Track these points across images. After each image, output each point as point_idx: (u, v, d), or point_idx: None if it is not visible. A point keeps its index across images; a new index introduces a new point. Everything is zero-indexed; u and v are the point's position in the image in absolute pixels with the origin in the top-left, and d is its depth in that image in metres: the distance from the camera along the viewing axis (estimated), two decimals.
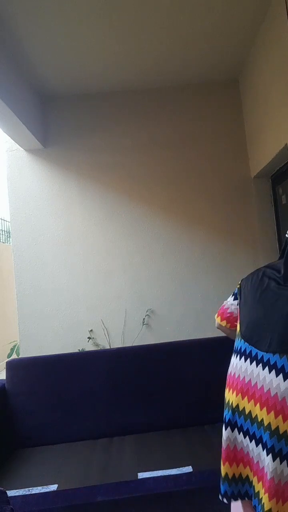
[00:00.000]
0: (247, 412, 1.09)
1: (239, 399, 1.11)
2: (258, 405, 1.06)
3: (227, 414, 1.15)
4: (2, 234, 8.50)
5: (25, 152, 3.25)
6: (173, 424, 2.17)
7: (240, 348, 1.18)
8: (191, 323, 3.11)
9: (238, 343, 1.20)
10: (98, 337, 3.13)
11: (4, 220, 8.39)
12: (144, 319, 3.11)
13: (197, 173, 3.23)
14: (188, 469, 1.69)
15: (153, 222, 3.20)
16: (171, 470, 1.69)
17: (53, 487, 1.66)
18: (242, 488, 1.12)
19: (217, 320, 1.45)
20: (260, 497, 1.03)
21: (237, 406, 1.12)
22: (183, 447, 1.94)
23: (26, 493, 1.62)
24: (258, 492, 1.05)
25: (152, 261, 3.18)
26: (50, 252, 3.18)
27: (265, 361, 1.06)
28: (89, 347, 3.09)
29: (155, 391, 2.21)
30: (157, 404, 2.20)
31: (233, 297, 1.43)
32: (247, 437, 1.09)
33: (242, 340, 1.18)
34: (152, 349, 2.38)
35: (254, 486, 1.07)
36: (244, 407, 1.10)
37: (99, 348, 3.09)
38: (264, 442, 1.04)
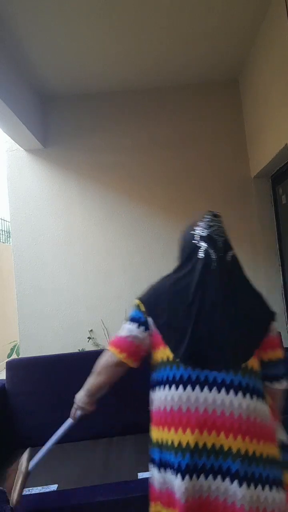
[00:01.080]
0: (209, 447, 0.96)
1: (197, 436, 0.96)
2: (222, 434, 0.96)
3: (181, 460, 0.96)
4: (2, 234, 8.50)
5: (25, 152, 3.25)
6: None
7: (179, 376, 1.01)
8: None
9: (171, 371, 1.02)
10: (98, 337, 3.12)
11: (4, 220, 8.39)
12: None
13: (197, 173, 3.23)
14: None
15: (153, 222, 3.20)
16: None
17: (53, 487, 1.66)
18: None
19: (126, 360, 1.13)
20: None
21: (196, 445, 0.96)
22: None
23: (26, 493, 1.63)
24: None
25: (152, 261, 3.18)
26: (50, 252, 3.18)
27: (219, 382, 0.99)
28: (89, 347, 3.09)
29: None
30: None
31: (135, 324, 1.14)
32: (211, 476, 0.96)
33: (181, 366, 1.01)
34: None
35: None
36: (205, 443, 0.96)
37: (99, 348, 3.09)
38: (234, 472, 0.95)
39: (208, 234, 1.16)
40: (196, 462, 0.96)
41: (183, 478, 0.96)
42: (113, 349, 1.16)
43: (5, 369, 2.30)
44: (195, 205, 3.20)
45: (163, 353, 1.07)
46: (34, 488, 1.67)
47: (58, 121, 3.28)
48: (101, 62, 2.85)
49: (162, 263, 3.18)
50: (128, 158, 3.23)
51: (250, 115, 3.11)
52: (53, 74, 2.96)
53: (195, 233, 1.17)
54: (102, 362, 1.21)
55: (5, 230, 8.49)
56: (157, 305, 1.13)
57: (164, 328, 1.08)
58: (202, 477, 0.96)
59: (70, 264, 3.16)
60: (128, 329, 1.14)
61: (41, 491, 1.64)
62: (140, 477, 1.66)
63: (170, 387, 1.02)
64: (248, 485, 0.94)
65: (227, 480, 0.95)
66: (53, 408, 2.17)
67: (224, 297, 1.08)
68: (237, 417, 0.96)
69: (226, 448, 0.96)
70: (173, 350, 1.04)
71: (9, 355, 5.15)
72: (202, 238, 1.15)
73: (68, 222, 3.20)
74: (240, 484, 0.94)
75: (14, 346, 5.10)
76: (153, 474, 1.05)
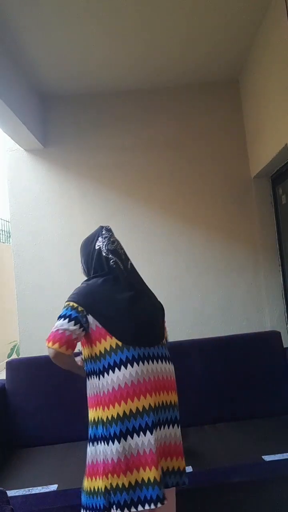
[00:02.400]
0: (162, 404, 1.30)
1: (155, 398, 1.27)
2: (167, 392, 1.32)
3: (148, 419, 1.24)
4: (2, 234, 8.50)
5: (25, 152, 3.25)
6: None
7: (131, 357, 1.28)
8: (191, 323, 3.11)
9: (123, 354, 1.27)
10: None
11: (4, 220, 8.39)
12: None
13: (197, 173, 3.22)
14: (188, 469, 1.69)
15: (153, 222, 3.20)
16: None
17: (53, 487, 1.66)
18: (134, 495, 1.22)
19: (61, 349, 1.29)
20: (156, 478, 1.20)
21: (155, 404, 1.27)
22: (183, 447, 1.94)
23: (26, 493, 1.63)
24: (150, 479, 1.21)
25: (152, 261, 3.18)
26: (50, 252, 3.17)
27: (156, 355, 1.33)
28: None
29: None
30: None
31: (71, 322, 1.30)
32: (167, 426, 1.30)
33: (130, 348, 1.28)
34: None
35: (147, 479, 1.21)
36: (160, 402, 1.29)
37: None
38: (174, 419, 1.33)
39: (114, 249, 1.48)
40: (158, 418, 1.27)
41: (151, 432, 1.23)
42: (59, 346, 1.30)
43: (5, 369, 2.30)
44: (195, 205, 3.20)
45: (109, 342, 1.29)
46: (34, 488, 1.67)
47: (58, 121, 3.27)
48: (101, 62, 2.85)
49: (162, 263, 3.18)
50: (128, 158, 3.23)
51: (250, 115, 3.11)
52: (53, 74, 2.96)
53: (102, 248, 1.47)
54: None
55: (5, 230, 8.49)
56: (95, 304, 1.36)
57: (107, 322, 1.32)
58: (162, 428, 1.28)
59: (70, 264, 3.16)
60: (65, 327, 1.30)
61: (41, 491, 1.64)
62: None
63: (125, 366, 1.26)
64: (178, 426, 1.34)
65: (175, 426, 1.32)
66: (53, 408, 2.17)
67: (139, 294, 1.43)
68: (171, 378, 1.36)
69: (171, 403, 1.33)
70: (120, 338, 1.30)
71: (9, 355, 5.15)
72: (110, 251, 1.46)
73: (68, 222, 3.20)
74: (178, 427, 1.33)
75: (14, 346, 5.11)
76: (106, 450, 1.24)
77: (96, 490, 1.26)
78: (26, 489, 1.66)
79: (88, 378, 1.39)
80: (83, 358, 1.44)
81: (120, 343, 1.29)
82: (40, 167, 3.25)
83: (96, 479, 1.27)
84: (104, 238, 1.50)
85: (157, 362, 1.32)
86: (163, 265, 3.18)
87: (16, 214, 3.22)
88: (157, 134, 3.24)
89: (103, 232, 1.53)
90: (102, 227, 1.56)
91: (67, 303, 1.38)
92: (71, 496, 1.56)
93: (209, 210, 3.19)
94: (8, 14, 2.28)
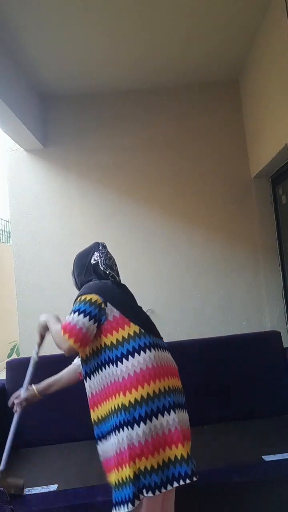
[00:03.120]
0: (175, 387, 1.36)
1: (172, 381, 1.36)
2: (176, 378, 1.41)
3: (171, 399, 1.30)
4: (2, 234, 8.50)
5: (25, 152, 3.25)
6: None
7: (151, 343, 1.36)
8: (191, 323, 3.11)
9: (142, 340, 1.35)
10: None
11: (4, 220, 8.39)
12: None
13: (197, 173, 3.22)
14: None
15: (153, 222, 3.20)
16: None
17: (53, 487, 1.66)
18: (168, 473, 1.26)
19: (75, 345, 1.34)
20: (184, 455, 1.25)
21: (173, 386, 1.35)
22: None
23: (26, 493, 1.63)
24: (178, 456, 1.25)
25: (152, 261, 3.18)
26: (50, 252, 3.17)
27: (162, 345, 1.42)
28: None
29: None
30: None
31: (91, 320, 1.35)
32: (180, 409, 1.34)
33: (147, 335, 1.37)
34: None
35: (180, 455, 1.26)
36: (174, 385, 1.36)
37: None
38: (184, 403, 1.39)
39: (111, 264, 1.58)
40: (178, 400, 1.35)
41: (174, 411, 1.29)
42: (77, 344, 1.35)
43: (5, 369, 2.30)
44: (195, 205, 3.20)
45: (129, 330, 1.35)
46: (34, 488, 1.67)
47: (58, 121, 3.27)
48: (101, 62, 2.86)
49: (162, 263, 3.18)
50: (128, 158, 3.23)
51: (250, 115, 3.11)
52: (53, 74, 2.96)
53: (100, 262, 1.55)
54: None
55: (5, 230, 8.49)
56: (112, 294, 1.43)
57: (127, 311, 1.40)
58: (182, 410, 1.35)
59: (70, 264, 3.13)
60: (83, 323, 1.35)
61: (41, 491, 1.64)
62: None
63: (144, 351, 1.33)
64: (185, 410, 1.40)
65: (186, 411, 1.39)
66: (53, 408, 2.17)
67: (133, 298, 1.54)
68: (176, 367, 1.45)
69: (181, 388, 1.41)
70: (140, 325, 1.38)
71: (9, 355, 5.15)
72: (108, 266, 1.55)
73: (68, 222, 3.20)
74: (185, 411, 1.40)
75: (14, 346, 5.10)
76: (131, 434, 1.24)
77: (124, 480, 1.24)
78: (26, 489, 1.66)
79: (95, 373, 1.39)
80: (89, 353, 1.42)
81: (139, 330, 1.36)
82: (40, 167, 3.25)
83: (122, 468, 1.25)
84: (101, 254, 1.58)
85: (165, 351, 1.42)
86: (163, 265, 3.18)
87: (16, 214, 3.22)
88: (157, 134, 3.24)
89: (100, 247, 1.61)
90: (98, 243, 1.64)
91: (84, 296, 1.39)
92: (71, 496, 1.56)
93: (209, 210, 3.19)
94: (8, 14, 2.28)
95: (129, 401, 1.26)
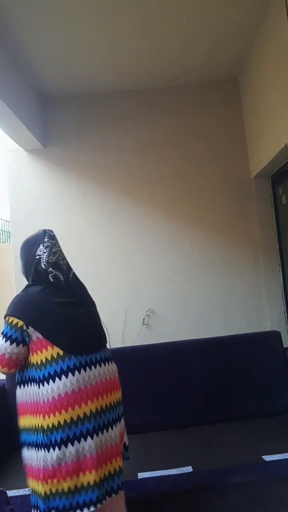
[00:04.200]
0: (106, 406, 1.31)
1: (99, 402, 1.30)
2: (111, 393, 1.35)
3: (90, 424, 1.26)
4: (2, 234, 8.49)
5: (25, 152, 3.25)
6: (173, 424, 2.17)
7: (73, 365, 1.29)
8: (191, 323, 3.11)
9: (64, 363, 1.28)
10: None
11: (4, 220, 8.38)
12: (144, 319, 3.11)
13: (197, 173, 3.22)
14: (188, 469, 1.69)
15: (153, 222, 3.20)
16: (171, 470, 1.69)
17: None
18: (113, 484, 1.30)
19: (3, 369, 1.34)
20: (96, 480, 1.24)
21: (100, 408, 1.29)
22: (183, 447, 1.94)
23: (26, 493, 1.62)
24: (90, 482, 1.24)
25: (152, 261, 3.18)
26: None
27: (98, 360, 1.35)
28: None
29: (155, 391, 2.21)
30: (157, 404, 2.20)
31: (13, 344, 1.31)
32: (110, 428, 1.31)
33: (71, 357, 1.29)
34: (152, 349, 2.38)
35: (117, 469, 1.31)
36: (104, 405, 1.31)
37: None
38: (119, 417, 1.36)
39: (55, 261, 1.44)
40: (100, 422, 1.29)
41: (92, 438, 1.26)
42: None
43: None
44: (195, 205, 3.20)
45: (51, 352, 1.29)
46: None
47: (58, 121, 3.27)
48: (101, 62, 2.85)
49: (162, 263, 3.18)
50: (128, 158, 3.23)
51: (250, 115, 3.11)
52: (53, 74, 2.96)
53: (42, 259, 1.42)
54: None
55: (5, 230, 8.48)
56: (35, 316, 1.33)
57: (49, 333, 1.31)
58: (103, 433, 1.29)
59: (70, 264, 3.16)
60: (7, 348, 1.32)
61: None
62: (140, 477, 1.66)
63: (66, 375, 1.27)
64: (120, 421, 1.38)
65: (118, 425, 1.35)
66: None
67: (79, 302, 1.44)
68: (114, 378, 1.39)
69: (115, 402, 1.35)
70: (63, 347, 1.30)
71: None
72: (50, 264, 1.42)
73: (68, 222, 3.20)
74: (120, 422, 1.38)
75: None
76: (46, 456, 1.24)
77: (37, 492, 1.27)
78: (26, 489, 1.65)
79: (24, 385, 1.38)
80: (25, 363, 1.40)
81: (62, 352, 1.29)
82: (40, 167, 3.25)
83: (37, 482, 1.27)
84: (45, 248, 1.45)
85: (100, 366, 1.35)
86: (163, 265, 3.18)
87: (16, 214, 3.22)
88: (157, 134, 3.24)
89: (45, 239, 1.48)
90: (45, 232, 1.51)
91: (7, 318, 1.35)
92: None
93: (209, 210, 3.19)
94: (8, 14, 2.28)
95: (47, 425, 1.26)
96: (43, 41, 2.56)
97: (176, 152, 3.24)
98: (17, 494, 1.63)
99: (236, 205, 3.20)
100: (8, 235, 8.31)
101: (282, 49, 2.35)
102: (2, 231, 8.49)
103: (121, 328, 3.11)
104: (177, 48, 2.76)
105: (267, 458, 1.72)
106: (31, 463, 1.33)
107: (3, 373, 1.37)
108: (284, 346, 2.46)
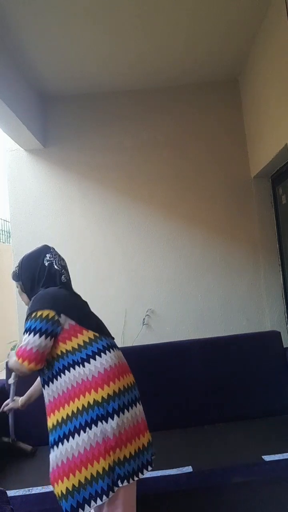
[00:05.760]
0: (131, 383, 1.44)
1: (129, 378, 1.44)
2: (131, 374, 1.48)
3: (133, 393, 1.42)
4: (2, 234, 8.50)
5: (25, 152, 3.25)
6: (173, 424, 2.17)
7: (107, 345, 1.43)
8: (191, 323, 3.11)
9: (99, 343, 1.41)
10: None
11: (4, 220, 8.39)
12: (144, 319, 3.11)
13: (197, 173, 3.23)
14: (188, 469, 1.69)
15: (153, 222, 3.20)
16: (171, 470, 1.69)
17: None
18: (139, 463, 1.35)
19: (30, 366, 1.34)
20: (150, 441, 1.40)
21: (132, 382, 1.45)
22: (183, 447, 1.94)
23: (26, 493, 1.63)
24: (144, 444, 1.37)
25: (152, 261, 3.18)
26: None
27: (115, 344, 1.49)
28: None
29: (155, 391, 2.20)
30: (157, 404, 2.20)
31: (42, 336, 1.34)
32: (138, 402, 1.43)
33: (103, 338, 1.43)
34: (152, 349, 2.38)
35: (145, 443, 1.38)
36: (131, 381, 1.45)
37: None
38: (137, 397, 1.44)
39: (64, 265, 1.62)
40: (137, 393, 1.46)
41: (140, 403, 1.43)
42: (33, 363, 1.36)
43: (5, 369, 2.30)
44: (195, 205, 3.21)
45: (87, 335, 1.40)
46: (34, 488, 1.67)
47: (58, 121, 3.27)
48: (101, 62, 2.85)
49: (162, 263, 3.18)
50: (128, 158, 3.23)
51: (250, 115, 3.11)
52: (53, 74, 2.96)
53: (54, 263, 1.58)
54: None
55: (5, 230, 8.48)
56: (65, 305, 1.43)
57: (81, 319, 1.43)
58: (138, 403, 1.43)
59: (69, 264, 3.13)
60: (37, 344, 1.35)
61: (41, 491, 1.64)
62: (141, 477, 1.65)
63: (106, 352, 1.40)
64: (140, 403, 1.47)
65: (140, 403, 1.45)
66: None
67: (84, 303, 1.57)
68: (126, 362, 1.50)
69: (134, 382, 1.47)
70: (96, 330, 1.43)
71: None
72: (62, 267, 1.59)
73: (68, 222, 3.20)
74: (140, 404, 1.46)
75: (14, 346, 5.09)
76: (105, 428, 1.30)
77: (95, 475, 1.24)
78: (26, 489, 1.66)
79: (59, 377, 1.38)
80: (53, 356, 1.41)
81: (97, 335, 1.42)
82: (40, 167, 3.25)
83: (92, 465, 1.26)
84: (53, 255, 1.61)
85: (117, 350, 1.49)
86: (163, 265, 3.18)
87: (16, 214, 3.22)
88: (157, 134, 3.24)
89: (51, 250, 1.64)
90: (48, 246, 1.68)
91: (37, 312, 1.37)
92: None
93: (209, 210, 3.19)
94: (8, 14, 2.28)
95: (102, 397, 1.32)
96: (43, 41, 2.56)
97: (176, 152, 3.24)
98: (17, 494, 1.63)
99: (236, 205, 3.20)
100: (8, 235, 8.31)
101: (282, 49, 2.35)
102: (2, 231, 8.50)
103: (121, 328, 3.11)
104: (177, 48, 2.76)
105: (267, 458, 1.72)
106: (85, 447, 1.28)
107: (30, 371, 1.35)
108: (284, 346, 2.46)
